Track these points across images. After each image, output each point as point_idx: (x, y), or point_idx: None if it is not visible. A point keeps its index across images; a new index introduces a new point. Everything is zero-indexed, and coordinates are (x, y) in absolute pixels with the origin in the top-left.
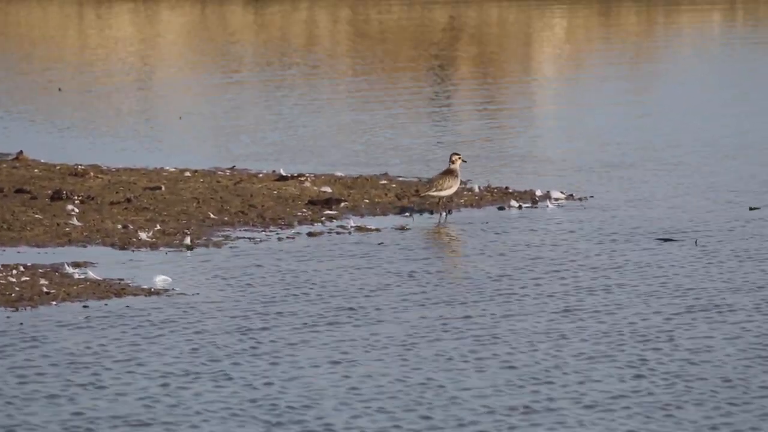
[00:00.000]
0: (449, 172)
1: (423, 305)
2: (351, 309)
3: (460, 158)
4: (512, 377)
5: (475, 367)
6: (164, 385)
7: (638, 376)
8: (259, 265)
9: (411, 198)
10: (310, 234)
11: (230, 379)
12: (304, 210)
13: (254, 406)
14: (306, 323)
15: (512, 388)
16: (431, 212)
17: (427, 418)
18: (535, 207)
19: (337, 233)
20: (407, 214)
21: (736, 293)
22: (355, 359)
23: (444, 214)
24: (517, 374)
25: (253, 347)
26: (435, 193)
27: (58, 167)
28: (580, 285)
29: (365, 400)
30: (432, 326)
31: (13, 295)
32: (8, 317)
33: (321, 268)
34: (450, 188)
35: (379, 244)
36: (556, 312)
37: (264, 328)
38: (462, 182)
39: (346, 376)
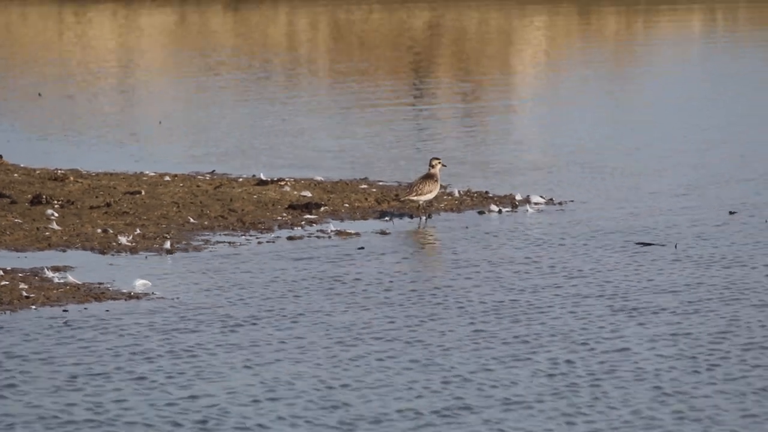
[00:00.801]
0: (429, 177)
1: (398, 309)
2: (328, 314)
3: (439, 162)
4: (434, 378)
5: (401, 368)
6: (139, 385)
7: (594, 385)
8: (239, 269)
9: (391, 202)
10: (289, 238)
11: (208, 384)
12: (284, 214)
13: (246, 404)
14: (287, 326)
15: (435, 389)
16: (411, 216)
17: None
18: (515, 211)
19: (317, 237)
20: (387, 218)
21: (712, 298)
22: (331, 362)
23: (424, 218)
24: (442, 376)
25: (229, 351)
26: (415, 198)
27: (38, 172)
28: (546, 290)
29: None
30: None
31: None
32: None
33: (301, 272)
34: (430, 193)
35: (360, 248)
36: (500, 317)
37: (244, 331)
38: (442, 186)
39: (333, 379)
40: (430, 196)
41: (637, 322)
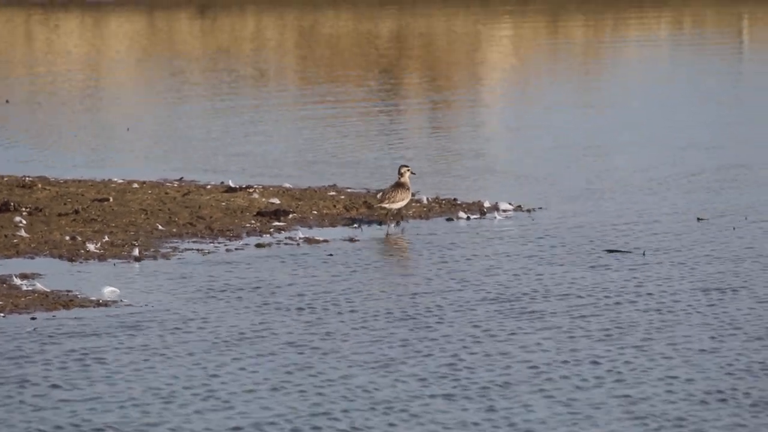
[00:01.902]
0: (400, 185)
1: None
2: (292, 321)
3: (408, 170)
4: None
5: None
6: (100, 391)
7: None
8: (207, 277)
9: (360, 209)
10: (258, 245)
11: (173, 393)
12: (253, 221)
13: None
14: (253, 333)
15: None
16: (380, 223)
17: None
18: (483, 218)
19: (286, 244)
20: (356, 225)
21: (680, 306)
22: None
23: (392, 225)
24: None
25: (197, 360)
26: (387, 206)
27: (5, 179)
28: (503, 297)
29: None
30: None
31: None
32: None
33: (268, 279)
34: (402, 201)
35: (329, 255)
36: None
37: (211, 340)
38: (411, 194)
39: (314, 385)
40: (401, 204)
41: (595, 329)
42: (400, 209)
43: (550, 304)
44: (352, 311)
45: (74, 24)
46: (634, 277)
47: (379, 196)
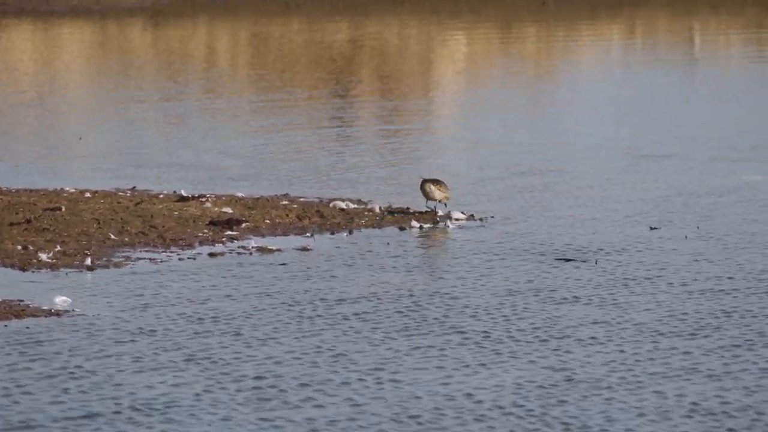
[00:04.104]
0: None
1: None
2: (237, 334)
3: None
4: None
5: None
6: (57, 398)
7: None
8: (159, 286)
9: (312, 218)
10: (211, 254)
11: (132, 400)
12: (205, 231)
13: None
14: (203, 341)
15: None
16: (332, 233)
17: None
18: (436, 227)
19: (238, 254)
20: (308, 234)
21: (628, 311)
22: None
23: (437, 212)
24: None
25: (149, 369)
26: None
27: None
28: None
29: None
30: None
31: None
32: None
33: (220, 288)
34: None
35: (281, 264)
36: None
37: (163, 349)
38: (363, 203)
39: (263, 391)
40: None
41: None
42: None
43: (484, 317)
44: (307, 318)
45: (25, 32)
46: (584, 285)
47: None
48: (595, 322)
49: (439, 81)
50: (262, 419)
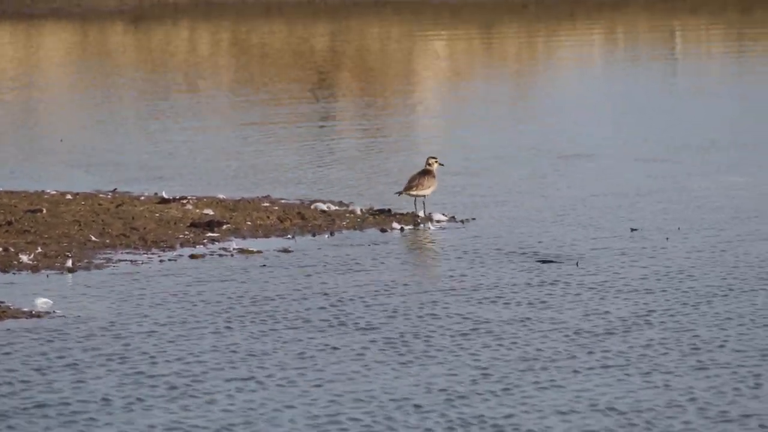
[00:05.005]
0: (427, 173)
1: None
2: (217, 332)
3: (436, 161)
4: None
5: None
6: (38, 399)
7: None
8: (140, 288)
9: (293, 220)
10: (192, 256)
11: (109, 402)
12: (186, 232)
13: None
14: (187, 342)
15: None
16: (313, 234)
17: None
18: (417, 229)
19: (219, 255)
20: (290, 236)
21: (609, 313)
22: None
23: (421, 212)
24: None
25: (129, 371)
26: (415, 193)
27: None
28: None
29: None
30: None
31: None
32: None
33: (201, 290)
34: (430, 187)
35: (262, 266)
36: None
37: (143, 350)
38: (344, 205)
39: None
40: (429, 191)
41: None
42: (425, 197)
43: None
44: (286, 318)
45: (5, 35)
46: (565, 287)
47: (406, 183)
48: (523, 321)
49: (419, 83)
50: (175, 415)
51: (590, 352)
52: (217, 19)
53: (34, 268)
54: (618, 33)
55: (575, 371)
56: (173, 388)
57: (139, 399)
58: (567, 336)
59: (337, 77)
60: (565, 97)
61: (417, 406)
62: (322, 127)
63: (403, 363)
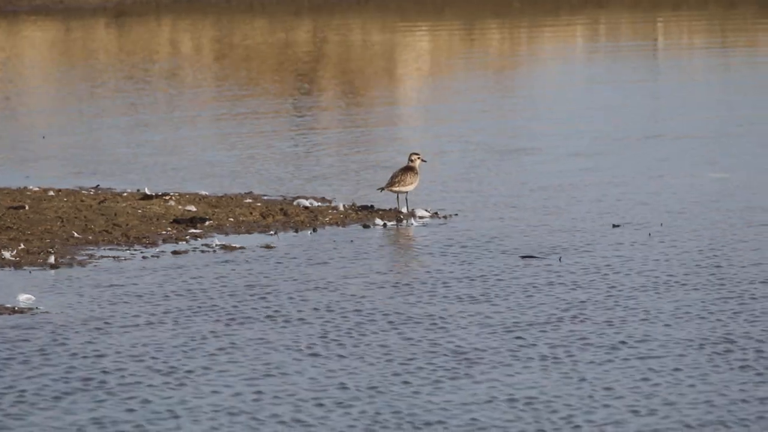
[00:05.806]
0: (410, 169)
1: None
2: (206, 325)
3: (419, 157)
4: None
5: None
6: (20, 398)
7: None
8: (123, 284)
9: (276, 217)
10: (174, 253)
11: (98, 401)
12: (169, 229)
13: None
14: (168, 338)
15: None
16: (296, 230)
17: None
18: (400, 225)
19: (202, 252)
20: (272, 232)
21: (589, 309)
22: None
23: (405, 208)
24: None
25: (117, 365)
26: (397, 189)
27: None
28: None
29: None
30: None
31: None
32: None
33: (183, 285)
34: (412, 184)
35: (246, 262)
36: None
37: (126, 346)
38: (327, 201)
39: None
40: (411, 187)
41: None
42: (407, 193)
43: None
44: (267, 316)
45: None
46: (547, 282)
47: (388, 180)
48: (558, 321)
49: (402, 80)
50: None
51: (526, 346)
52: (200, 15)
53: (17, 265)
54: (601, 26)
55: (501, 363)
56: (101, 383)
57: (66, 393)
58: (508, 331)
59: (319, 74)
60: (550, 92)
61: (340, 402)
62: (304, 123)
63: (328, 358)
